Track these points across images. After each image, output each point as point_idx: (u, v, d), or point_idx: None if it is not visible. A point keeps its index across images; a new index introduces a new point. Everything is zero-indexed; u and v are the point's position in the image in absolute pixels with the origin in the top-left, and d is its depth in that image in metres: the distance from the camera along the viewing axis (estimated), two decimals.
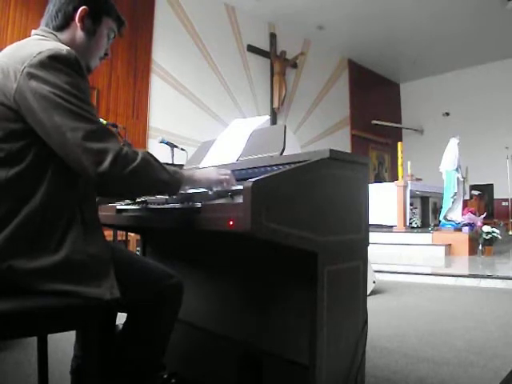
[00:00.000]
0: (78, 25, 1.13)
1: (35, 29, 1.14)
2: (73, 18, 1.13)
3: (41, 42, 1.04)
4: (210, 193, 1.22)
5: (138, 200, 1.56)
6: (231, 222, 0.96)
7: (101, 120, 1.21)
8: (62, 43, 1.08)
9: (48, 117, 0.93)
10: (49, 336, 1.23)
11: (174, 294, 1.18)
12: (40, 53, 0.96)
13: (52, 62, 0.96)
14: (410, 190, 7.11)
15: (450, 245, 6.11)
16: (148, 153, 1.05)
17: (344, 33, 8.90)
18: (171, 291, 1.17)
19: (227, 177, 1.21)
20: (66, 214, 0.99)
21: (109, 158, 0.95)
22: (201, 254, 1.67)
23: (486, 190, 9.26)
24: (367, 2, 7.66)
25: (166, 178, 1.06)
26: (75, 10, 1.12)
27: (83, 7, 1.12)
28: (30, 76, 0.94)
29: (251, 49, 8.06)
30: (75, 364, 1.33)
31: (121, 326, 1.19)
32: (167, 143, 2.08)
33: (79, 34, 1.14)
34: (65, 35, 1.13)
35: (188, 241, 1.71)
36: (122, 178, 0.97)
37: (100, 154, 0.95)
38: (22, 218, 0.94)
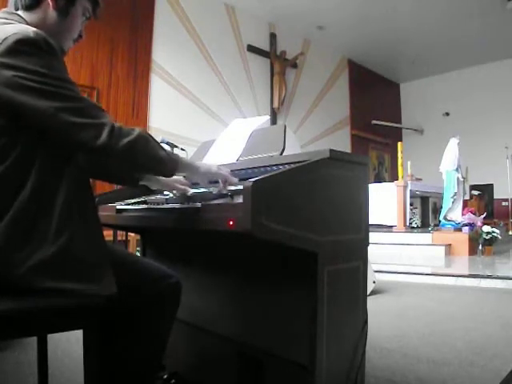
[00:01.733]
0: (50, 3, 1.07)
1: None
2: None
3: (4, 28, 0.97)
4: (213, 191, 1.22)
5: (137, 200, 1.56)
6: (231, 222, 0.96)
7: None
8: (30, 24, 1.03)
9: (30, 104, 0.91)
10: (49, 336, 1.22)
11: (172, 294, 1.18)
12: (5, 39, 0.91)
13: (20, 46, 0.91)
14: (410, 190, 7.11)
15: (450, 245, 6.11)
16: (145, 131, 1.05)
17: (344, 33, 8.89)
18: (170, 291, 1.17)
19: (227, 173, 1.20)
20: (57, 206, 0.97)
21: (105, 131, 0.95)
22: (201, 254, 1.67)
23: (486, 190, 9.25)
24: (367, 2, 7.66)
25: (163, 156, 1.06)
26: None
27: None
28: (0, 65, 0.91)
29: (251, 49, 8.05)
30: None
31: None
32: (167, 143, 2.07)
33: (51, 13, 1.08)
34: (34, 15, 1.07)
35: (188, 241, 1.71)
36: (119, 149, 0.97)
37: (96, 129, 0.94)
38: (13, 214, 0.93)
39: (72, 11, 1.11)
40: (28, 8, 1.07)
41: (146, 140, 1.03)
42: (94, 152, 0.96)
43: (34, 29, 0.97)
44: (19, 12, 1.08)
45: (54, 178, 0.99)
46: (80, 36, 1.19)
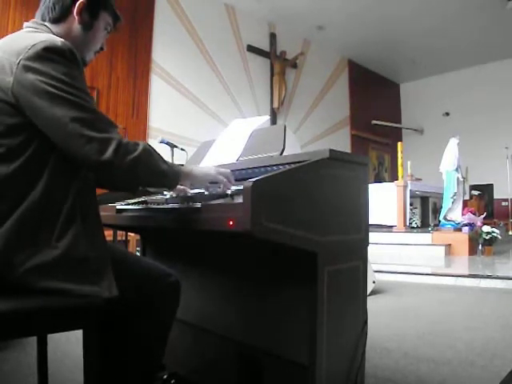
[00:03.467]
0: (76, 18, 1.12)
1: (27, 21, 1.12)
2: (70, 11, 1.12)
3: (34, 35, 1.03)
4: (206, 192, 1.22)
5: (137, 200, 1.56)
6: (231, 222, 0.96)
7: None
8: (56, 35, 1.07)
9: (47, 109, 0.93)
10: (49, 336, 1.23)
11: (172, 293, 1.18)
12: (34, 45, 0.96)
13: (47, 53, 0.95)
14: (410, 190, 7.12)
15: (449, 245, 6.11)
16: (148, 144, 1.06)
17: (344, 33, 8.89)
18: (170, 290, 1.17)
19: (226, 175, 1.21)
20: (65, 208, 0.99)
21: (111, 147, 0.96)
22: (201, 254, 1.67)
23: (486, 190, 9.26)
24: (367, 2, 7.66)
25: (165, 169, 1.07)
26: (73, 2, 1.11)
27: (81, 0, 1.11)
28: (27, 69, 0.94)
29: (251, 49, 8.05)
30: None
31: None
32: (167, 143, 2.07)
33: (76, 27, 1.13)
34: (60, 28, 1.12)
35: (188, 241, 1.71)
36: (124, 166, 0.98)
37: (103, 143, 0.95)
38: (21, 213, 0.94)
39: (95, 25, 1.16)
40: (55, 21, 1.12)
41: (149, 155, 1.04)
42: (98, 166, 0.97)
43: (62, 39, 1.01)
44: (46, 23, 1.12)
45: (64, 180, 1.01)
46: (101, 48, 1.24)
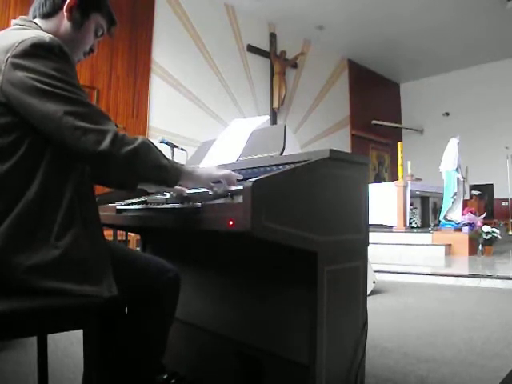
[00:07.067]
0: (65, 14, 1.11)
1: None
2: (61, 7, 1.11)
3: (22, 32, 1.01)
4: (210, 193, 1.21)
5: (137, 200, 1.56)
6: (231, 222, 0.96)
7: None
8: (45, 32, 1.06)
9: (39, 105, 0.92)
10: (49, 336, 1.22)
11: (171, 289, 1.17)
12: (22, 41, 0.95)
13: (35, 49, 0.94)
14: (410, 190, 7.11)
15: (449, 245, 6.11)
16: (148, 139, 1.05)
17: (344, 33, 8.89)
18: (169, 287, 1.16)
19: (227, 174, 1.20)
20: (62, 206, 0.98)
21: (108, 138, 0.95)
22: (201, 254, 1.67)
23: (486, 190, 9.26)
24: (367, 2, 7.66)
25: (165, 164, 1.05)
26: None
27: None
28: (15, 66, 0.93)
29: (251, 49, 8.06)
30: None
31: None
32: (167, 143, 2.07)
33: (65, 23, 1.12)
34: (50, 23, 1.11)
35: (188, 241, 1.71)
36: (121, 157, 0.96)
37: (99, 134, 0.95)
38: (18, 212, 0.93)
39: (85, 24, 1.15)
40: (45, 16, 1.12)
41: (148, 148, 1.02)
42: (95, 158, 0.95)
43: (50, 35, 1.00)
44: (36, 20, 1.12)
45: (60, 178, 1.00)
46: (92, 50, 1.22)
